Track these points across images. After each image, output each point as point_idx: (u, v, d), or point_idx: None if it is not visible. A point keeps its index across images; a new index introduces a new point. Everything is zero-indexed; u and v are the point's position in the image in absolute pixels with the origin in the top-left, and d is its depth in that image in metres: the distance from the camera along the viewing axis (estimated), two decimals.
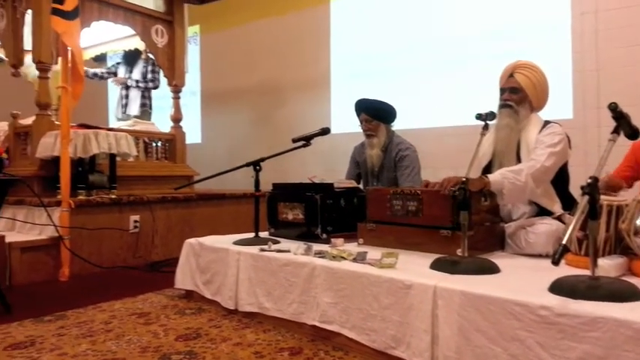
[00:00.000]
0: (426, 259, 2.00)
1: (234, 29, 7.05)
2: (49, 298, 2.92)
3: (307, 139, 2.80)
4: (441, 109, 4.90)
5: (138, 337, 2.12)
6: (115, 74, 5.26)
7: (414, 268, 1.91)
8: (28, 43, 4.21)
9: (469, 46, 4.81)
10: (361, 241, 2.50)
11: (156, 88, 5.19)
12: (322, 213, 2.58)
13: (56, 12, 3.38)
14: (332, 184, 2.72)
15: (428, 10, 5.13)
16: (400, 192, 2.36)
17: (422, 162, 3.29)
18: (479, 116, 2.27)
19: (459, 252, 1.99)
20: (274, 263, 2.27)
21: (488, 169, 2.40)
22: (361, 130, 3.34)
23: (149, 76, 5.09)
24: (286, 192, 2.82)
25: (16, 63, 4.28)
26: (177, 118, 5.10)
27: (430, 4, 5.13)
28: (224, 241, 2.67)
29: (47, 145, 3.75)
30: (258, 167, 2.66)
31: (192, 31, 7.17)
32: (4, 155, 4.27)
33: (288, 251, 2.32)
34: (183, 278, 2.78)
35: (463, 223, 1.91)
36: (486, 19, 4.74)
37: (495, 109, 2.38)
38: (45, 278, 3.33)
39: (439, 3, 5.06)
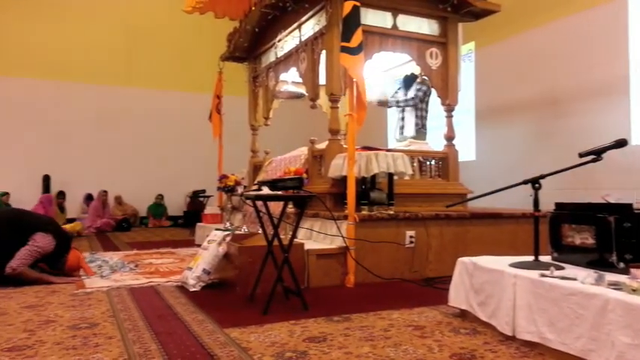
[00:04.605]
0: None
1: (510, 40, 6.77)
2: (337, 300, 3.28)
3: (598, 153, 2.46)
4: None
5: (414, 349, 2.20)
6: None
7: None
8: (321, 78, 4.90)
9: None
10: None
11: (414, 105, 5.32)
12: (619, 238, 2.22)
13: (344, 49, 3.83)
14: (631, 205, 2.32)
15: None
16: None
17: None
18: None
19: None
20: (557, 291, 2.06)
21: None
22: None
23: (415, 94, 5.30)
24: (572, 212, 2.53)
25: (314, 97, 5.01)
26: (450, 137, 5.15)
27: None
28: (499, 263, 2.55)
29: (337, 166, 4.27)
30: (537, 185, 2.46)
31: (467, 48, 7.17)
32: (305, 175, 5.04)
33: (575, 279, 2.07)
34: (457, 297, 2.76)
35: None
36: None
37: None
38: (334, 283, 3.76)
39: None
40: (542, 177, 2.48)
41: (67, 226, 7.85)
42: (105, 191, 9.88)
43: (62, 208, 9.61)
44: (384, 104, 5.88)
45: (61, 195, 9.76)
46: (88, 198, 10.16)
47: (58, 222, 6.14)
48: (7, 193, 9.23)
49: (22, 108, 9.70)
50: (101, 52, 10.35)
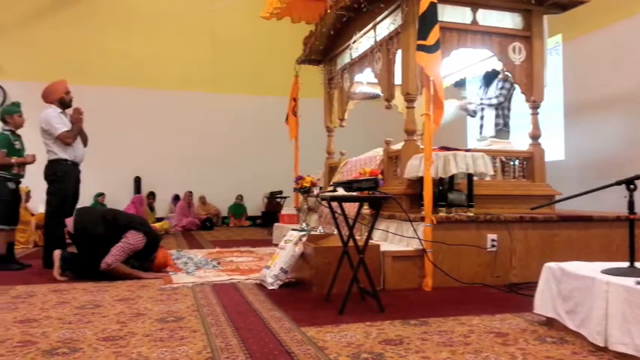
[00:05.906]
0: None
1: (600, 31, 6.32)
2: (414, 304, 3.23)
3: None
4: None
5: (496, 356, 2.11)
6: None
7: None
8: (397, 78, 4.84)
9: None
10: None
11: (498, 104, 5.07)
12: None
13: (420, 48, 3.74)
14: None
15: None
16: None
17: None
18: None
19: None
20: None
21: None
22: None
23: (495, 92, 5.06)
24: None
25: (389, 97, 4.96)
26: (535, 135, 4.88)
27: None
28: (590, 269, 2.39)
29: (413, 167, 4.19)
30: (632, 186, 2.27)
31: (554, 41, 6.78)
32: (380, 176, 5.00)
33: None
34: (543, 304, 2.61)
35: None
36: None
37: None
38: (410, 286, 3.70)
39: None
40: (638, 177, 2.29)
41: (157, 225, 8.36)
42: (190, 192, 10.42)
43: (152, 208, 10.26)
44: (465, 110, 5.62)
45: (151, 195, 10.43)
46: (175, 198, 10.76)
47: (148, 221, 6.54)
48: (102, 194, 9.99)
49: (118, 115, 10.45)
50: (190, 61, 10.97)
